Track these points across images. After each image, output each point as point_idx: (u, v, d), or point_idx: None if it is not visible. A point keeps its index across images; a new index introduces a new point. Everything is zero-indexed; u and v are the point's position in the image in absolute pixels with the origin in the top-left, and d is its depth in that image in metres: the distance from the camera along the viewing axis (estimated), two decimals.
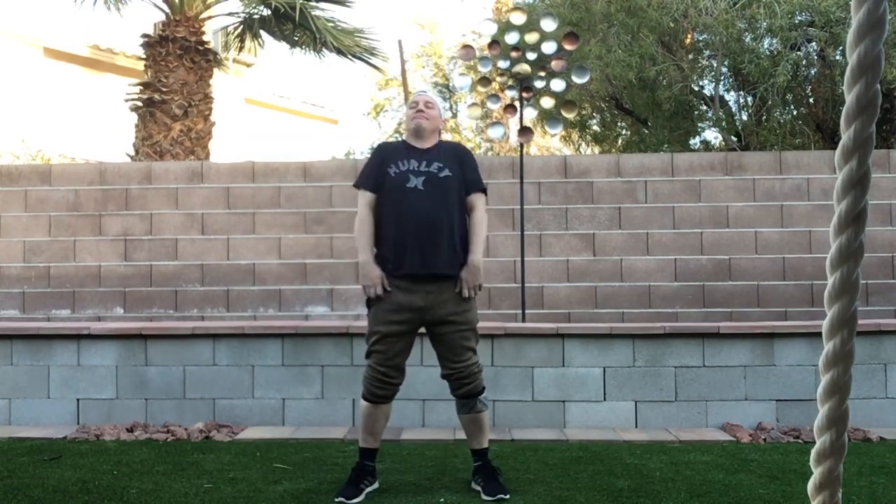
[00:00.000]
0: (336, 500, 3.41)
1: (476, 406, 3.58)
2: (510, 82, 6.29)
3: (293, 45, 9.80)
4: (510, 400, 5.13)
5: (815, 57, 10.19)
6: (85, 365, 5.22)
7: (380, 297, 3.52)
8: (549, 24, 6.12)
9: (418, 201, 3.51)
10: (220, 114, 9.95)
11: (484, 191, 3.72)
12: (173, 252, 6.81)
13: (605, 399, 5.12)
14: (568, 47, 6.15)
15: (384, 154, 3.72)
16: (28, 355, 5.24)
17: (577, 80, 6.33)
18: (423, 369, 4.92)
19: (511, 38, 6.13)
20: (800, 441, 4.73)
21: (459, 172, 3.63)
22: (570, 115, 7.25)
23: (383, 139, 21.77)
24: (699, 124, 11.75)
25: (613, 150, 12.61)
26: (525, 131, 6.32)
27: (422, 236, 3.48)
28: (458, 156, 3.71)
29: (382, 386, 3.53)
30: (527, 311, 6.21)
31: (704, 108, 11.29)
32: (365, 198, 3.65)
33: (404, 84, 10.08)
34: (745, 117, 10.89)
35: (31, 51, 14.17)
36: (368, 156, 3.82)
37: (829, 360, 0.85)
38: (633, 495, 3.51)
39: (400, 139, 4.24)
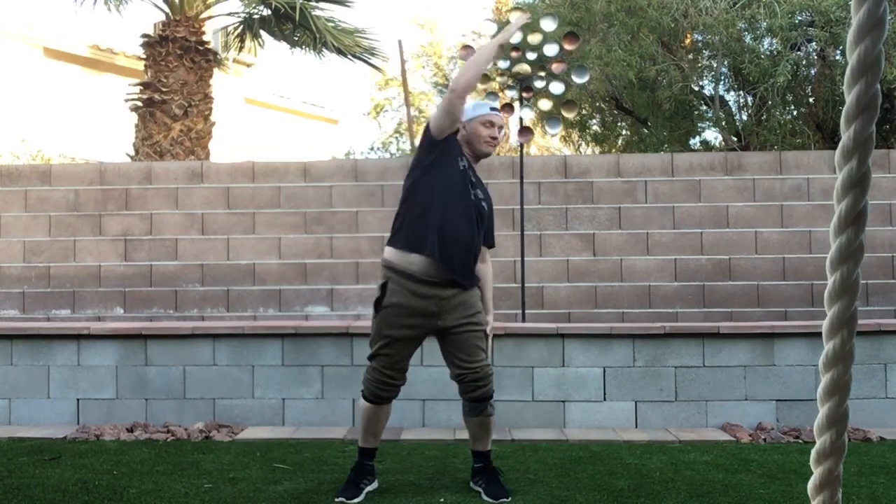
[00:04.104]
0: (336, 500, 3.41)
1: (486, 409, 3.52)
2: (510, 82, 6.29)
3: (293, 45, 9.80)
4: (510, 400, 5.13)
5: (815, 57, 10.19)
6: (85, 365, 5.22)
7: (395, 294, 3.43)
8: (548, 24, 6.12)
9: (469, 215, 3.45)
10: (220, 114, 9.95)
11: (493, 247, 3.74)
12: (173, 252, 6.81)
13: (605, 399, 5.12)
14: (568, 47, 6.15)
15: (451, 143, 3.49)
16: (28, 355, 5.24)
17: (576, 79, 6.33)
18: (423, 369, 4.92)
19: (513, 37, 6.12)
20: (800, 441, 4.73)
21: (488, 214, 3.61)
22: (570, 115, 7.25)
23: (383, 139, 21.80)
24: (699, 124, 11.76)
25: (613, 150, 12.62)
26: (525, 131, 6.32)
27: (467, 248, 3.44)
28: (490, 200, 3.67)
29: (386, 388, 3.50)
30: (527, 311, 6.21)
31: (704, 108, 11.29)
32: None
33: (404, 84, 10.09)
34: (745, 117, 10.89)
35: (31, 51, 14.18)
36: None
37: (829, 360, 0.85)
38: (633, 495, 3.51)
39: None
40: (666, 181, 6.73)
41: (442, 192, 3.40)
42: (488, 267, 3.68)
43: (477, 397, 3.49)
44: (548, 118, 6.63)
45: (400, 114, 21.07)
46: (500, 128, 3.58)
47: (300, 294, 6.74)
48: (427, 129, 3.49)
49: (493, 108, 3.61)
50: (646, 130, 11.91)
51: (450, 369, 3.55)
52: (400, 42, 9.12)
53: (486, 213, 3.57)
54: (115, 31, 14.57)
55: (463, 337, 3.45)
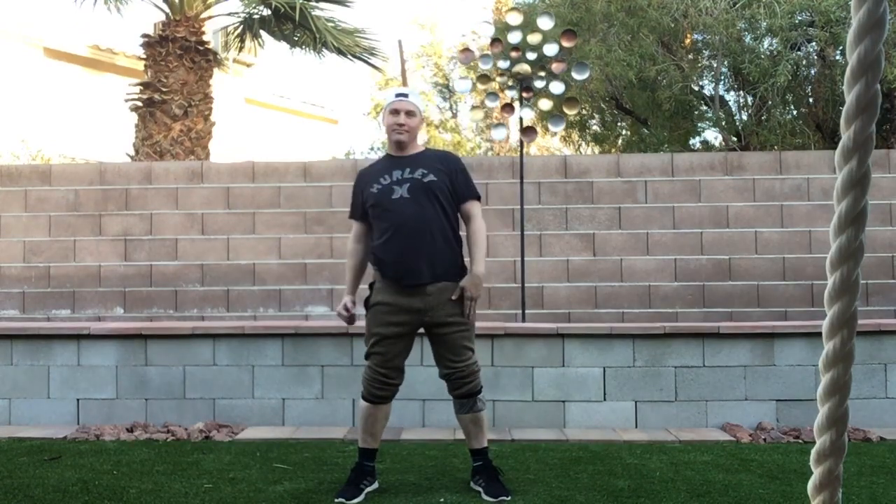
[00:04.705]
0: (336, 500, 3.42)
1: (476, 405, 3.58)
2: (510, 82, 6.28)
3: (293, 45, 9.80)
4: (510, 400, 5.13)
5: (815, 57, 10.19)
6: (85, 365, 5.22)
7: (377, 303, 3.55)
8: (545, 23, 6.11)
9: (406, 210, 3.48)
10: (220, 114, 9.94)
11: (478, 198, 3.67)
12: (173, 252, 6.80)
13: (605, 399, 5.12)
14: (566, 44, 6.15)
15: (363, 181, 3.67)
16: (28, 355, 5.24)
17: (576, 76, 6.32)
18: (423, 369, 4.92)
19: (513, 37, 6.13)
20: (800, 441, 4.73)
21: (446, 179, 3.57)
22: (572, 112, 7.24)
23: (383, 139, 21.80)
24: (699, 124, 11.76)
25: (613, 150, 12.61)
26: (528, 131, 6.32)
27: (413, 245, 3.46)
28: (444, 162, 3.64)
29: (382, 387, 3.53)
30: (527, 311, 6.21)
31: (704, 108, 11.29)
32: (354, 228, 3.74)
33: (404, 84, 10.09)
34: (745, 117, 10.89)
35: (31, 51, 14.17)
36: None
37: (829, 360, 0.85)
38: (633, 495, 3.51)
39: (382, 153, 4.21)
40: (666, 181, 6.73)
41: (377, 224, 3.55)
42: (474, 223, 3.62)
43: (464, 393, 3.55)
44: (550, 117, 6.63)
45: None
46: (408, 113, 3.59)
47: (300, 294, 6.74)
48: None
49: (398, 95, 3.68)
50: (646, 130, 11.90)
51: (438, 368, 3.62)
52: (400, 42, 9.14)
53: (438, 181, 3.54)
54: (115, 31, 14.56)
55: (451, 338, 3.52)
